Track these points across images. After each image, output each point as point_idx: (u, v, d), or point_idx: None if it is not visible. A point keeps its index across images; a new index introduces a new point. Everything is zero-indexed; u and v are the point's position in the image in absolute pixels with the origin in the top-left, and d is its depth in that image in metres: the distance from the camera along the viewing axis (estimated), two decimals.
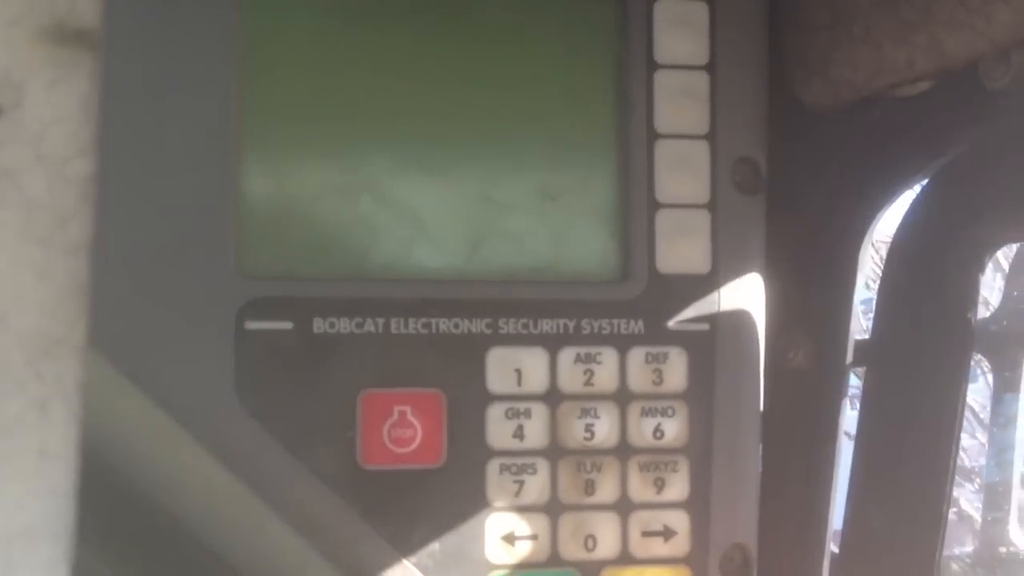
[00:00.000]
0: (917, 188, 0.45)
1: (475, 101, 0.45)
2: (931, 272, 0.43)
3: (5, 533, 0.19)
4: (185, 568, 0.45)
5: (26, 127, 0.19)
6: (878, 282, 0.45)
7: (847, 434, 0.46)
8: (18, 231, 0.19)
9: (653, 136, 0.45)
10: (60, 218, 0.19)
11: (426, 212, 0.44)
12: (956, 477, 0.43)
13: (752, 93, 0.46)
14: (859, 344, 0.46)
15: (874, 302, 0.45)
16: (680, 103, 0.45)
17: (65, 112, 0.20)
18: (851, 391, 0.47)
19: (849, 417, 0.47)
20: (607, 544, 0.44)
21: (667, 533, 0.44)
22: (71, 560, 0.20)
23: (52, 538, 0.19)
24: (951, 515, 0.44)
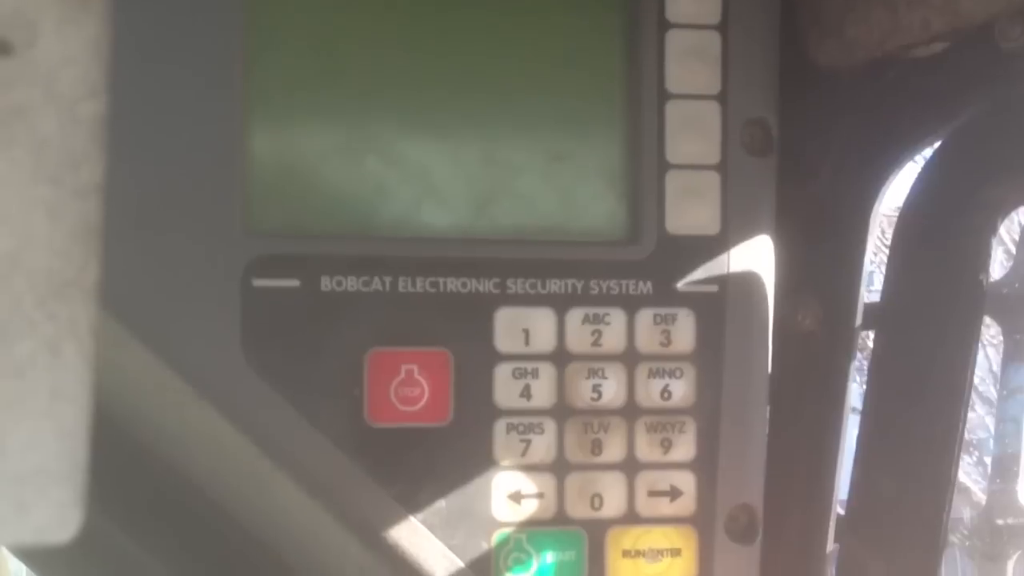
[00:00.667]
0: (930, 151, 0.45)
1: (485, 61, 0.44)
2: (943, 234, 0.43)
3: (17, 474, 0.19)
4: (191, 525, 0.46)
5: (38, 66, 0.19)
6: (881, 253, 0.45)
7: (853, 409, 0.46)
8: (29, 171, 0.19)
9: (664, 96, 0.44)
10: (71, 159, 0.19)
11: (434, 171, 0.44)
12: None
13: (764, 53, 0.45)
14: (868, 307, 0.46)
15: (872, 274, 0.45)
16: (691, 63, 0.45)
17: (75, 52, 0.20)
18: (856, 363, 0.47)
19: (855, 393, 0.47)
20: (613, 503, 0.44)
21: (673, 493, 0.44)
22: (84, 502, 0.20)
23: (65, 479, 0.19)
24: None
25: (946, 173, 0.43)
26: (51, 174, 0.19)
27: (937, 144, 0.44)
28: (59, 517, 0.19)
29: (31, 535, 0.19)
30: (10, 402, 0.19)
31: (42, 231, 0.19)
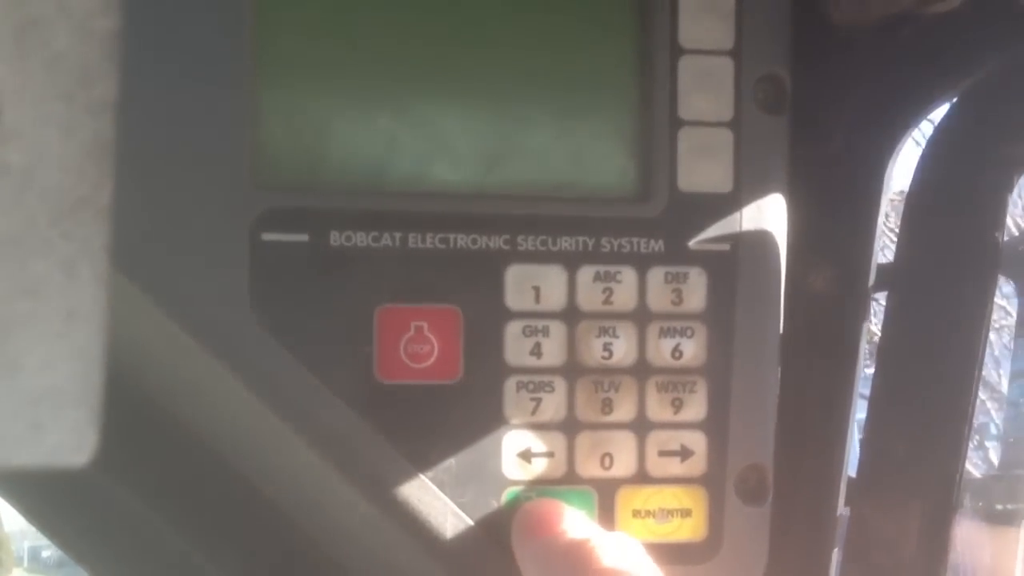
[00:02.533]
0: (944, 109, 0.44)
1: (497, 16, 0.44)
2: (958, 192, 0.43)
3: (32, 395, 0.18)
4: (200, 483, 0.45)
5: None
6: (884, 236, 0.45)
7: (862, 395, 0.46)
8: (42, 85, 0.18)
9: (677, 52, 0.44)
10: (85, 74, 0.19)
11: (445, 127, 0.43)
12: None
13: (778, 9, 0.45)
14: (882, 268, 0.45)
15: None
16: (705, 18, 0.44)
17: None
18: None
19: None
20: (624, 463, 0.44)
21: (684, 453, 0.44)
22: (99, 425, 0.19)
23: (80, 401, 0.19)
24: None
25: (962, 130, 0.43)
26: (64, 90, 0.19)
27: (952, 101, 0.44)
28: (75, 439, 0.19)
29: (47, 456, 0.18)
30: (25, 321, 0.18)
31: (55, 148, 0.19)
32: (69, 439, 0.19)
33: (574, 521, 0.41)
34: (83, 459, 0.19)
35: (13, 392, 0.18)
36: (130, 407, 0.42)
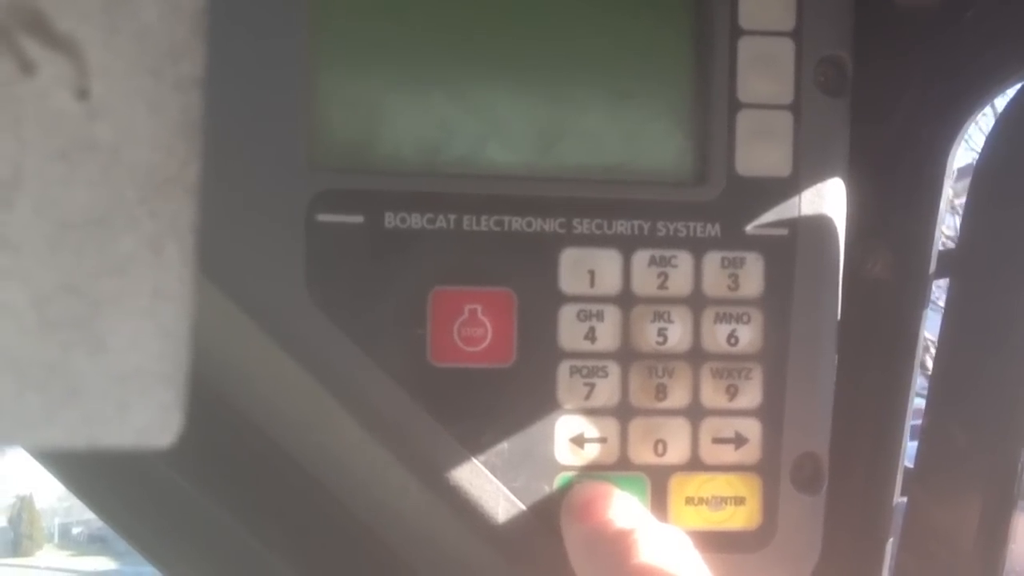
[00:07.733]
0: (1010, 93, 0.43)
1: None
2: (1023, 179, 0.42)
3: (119, 373, 0.18)
4: (251, 462, 0.45)
5: None
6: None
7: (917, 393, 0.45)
8: (131, 60, 0.18)
9: (737, 32, 0.43)
10: (172, 50, 0.19)
11: (500, 108, 0.43)
12: None
13: None
14: (943, 254, 0.44)
15: None
16: None
17: None
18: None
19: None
20: (677, 449, 0.43)
21: (738, 440, 0.43)
22: (184, 406, 0.19)
23: (166, 380, 0.18)
24: None
25: None
26: (152, 65, 0.18)
27: (1019, 86, 0.43)
28: (161, 419, 0.18)
29: (133, 436, 0.18)
30: (112, 299, 0.18)
31: (143, 124, 0.18)
32: (155, 420, 0.18)
33: (622, 508, 0.40)
34: (168, 440, 0.19)
35: (100, 371, 0.18)
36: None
